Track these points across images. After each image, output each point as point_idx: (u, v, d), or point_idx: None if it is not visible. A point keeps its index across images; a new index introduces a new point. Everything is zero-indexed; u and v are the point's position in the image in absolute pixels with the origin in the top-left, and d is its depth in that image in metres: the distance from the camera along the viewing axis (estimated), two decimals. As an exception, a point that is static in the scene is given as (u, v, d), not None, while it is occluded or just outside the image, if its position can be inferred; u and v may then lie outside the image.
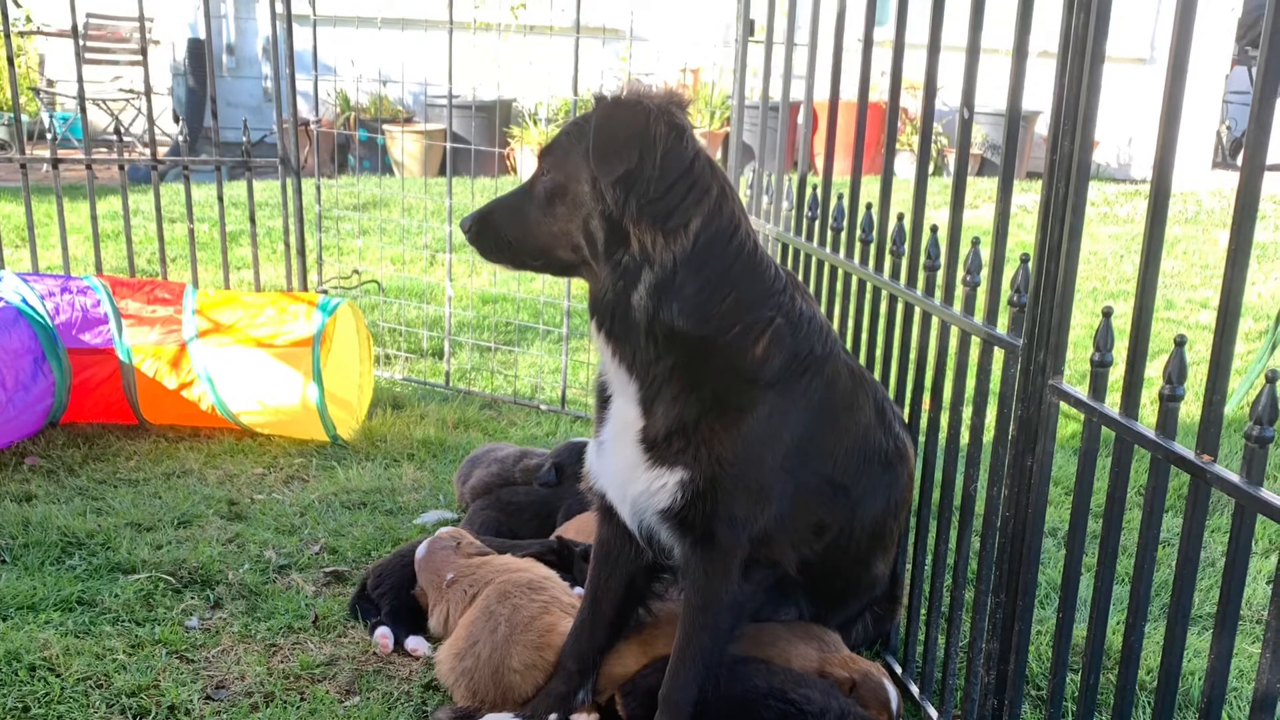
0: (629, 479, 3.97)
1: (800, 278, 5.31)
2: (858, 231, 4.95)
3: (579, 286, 7.91)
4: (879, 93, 12.76)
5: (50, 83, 18.71)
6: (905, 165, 16.77)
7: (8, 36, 7.10)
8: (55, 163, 7.63)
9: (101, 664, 4.59)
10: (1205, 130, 19.44)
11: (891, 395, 4.63)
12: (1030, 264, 3.75)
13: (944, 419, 4.44)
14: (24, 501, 5.96)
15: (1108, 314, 3.50)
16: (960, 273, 4.22)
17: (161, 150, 15.60)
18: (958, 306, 4.26)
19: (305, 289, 8.05)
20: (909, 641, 4.77)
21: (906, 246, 4.58)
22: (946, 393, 4.41)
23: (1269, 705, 2.91)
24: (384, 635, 4.82)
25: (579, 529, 5.36)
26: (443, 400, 7.88)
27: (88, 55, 15.73)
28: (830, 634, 4.44)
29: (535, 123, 17.46)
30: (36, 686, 4.40)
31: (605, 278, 3.75)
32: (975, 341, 4.16)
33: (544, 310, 9.39)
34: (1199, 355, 8.32)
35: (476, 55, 8.73)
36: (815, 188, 5.40)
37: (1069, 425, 7.12)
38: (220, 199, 7.96)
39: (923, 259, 4.45)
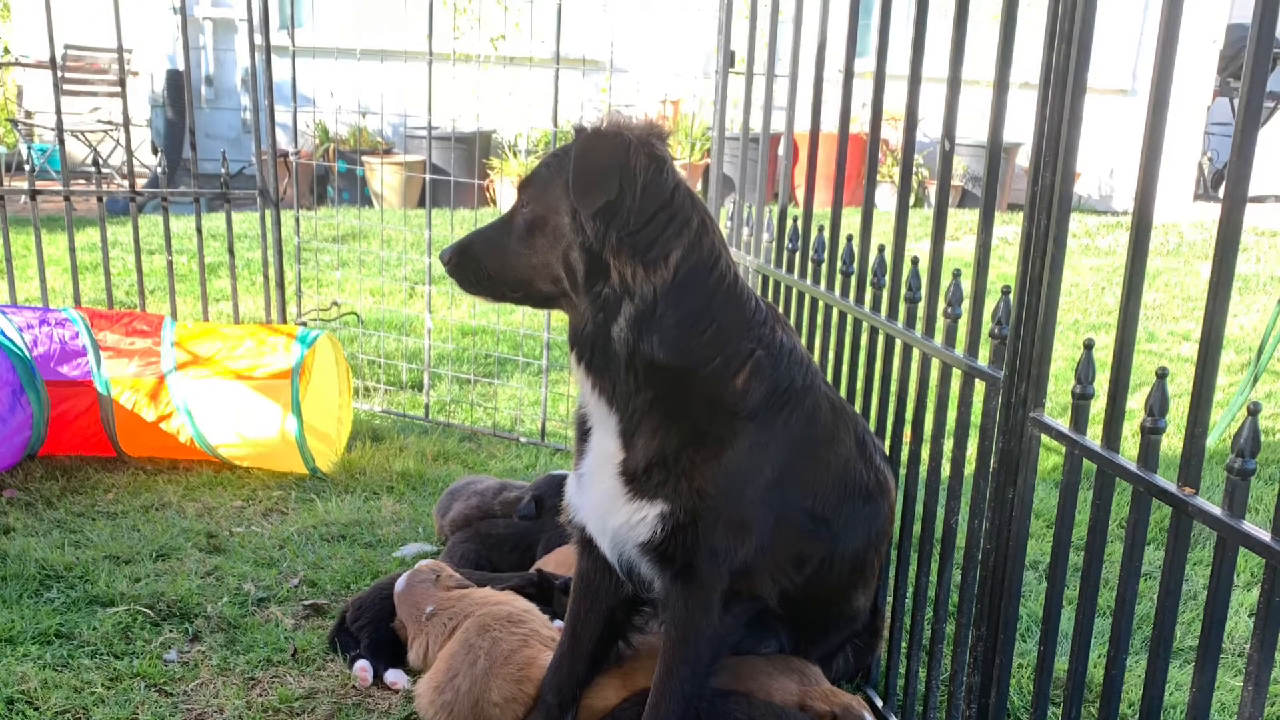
0: (609, 511, 3.96)
1: (781, 310, 5.31)
2: (838, 263, 4.95)
3: (559, 319, 7.90)
4: (860, 124, 12.79)
5: (28, 114, 18.67)
6: (886, 197, 16.81)
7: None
8: (33, 194, 7.60)
9: (80, 697, 4.56)
10: (1187, 162, 19.50)
11: (872, 427, 4.63)
12: (1011, 296, 3.75)
13: (925, 451, 4.44)
14: (2, 534, 5.92)
15: (1089, 346, 3.50)
16: (941, 305, 4.22)
17: (140, 182, 15.57)
18: (939, 339, 4.26)
19: (284, 321, 8.03)
20: (890, 675, 4.76)
21: (887, 278, 4.57)
22: (927, 425, 4.41)
23: (1252, 739, 2.90)
24: (363, 668, 4.80)
25: (559, 562, 5.35)
26: (422, 433, 7.86)
27: (66, 87, 15.71)
28: (811, 667, 4.43)
29: (515, 154, 17.47)
30: (14, 720, 4.38)
31: (585, 310, 3.74)
32: (956, 374, 4.16)
33: (524, 342, 9.38)
34: (1181, 388, 8.29)
35: (456, 87, 8.74)
36: (796, 219, 5.40)
37: (1050, 458, 7.12)
38: (199, 231, 7.93)
39: (903, 291, 4.45)
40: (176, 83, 17.54)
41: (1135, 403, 6.96)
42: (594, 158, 3.67)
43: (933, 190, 4.39)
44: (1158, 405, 3.21)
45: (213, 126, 18.66)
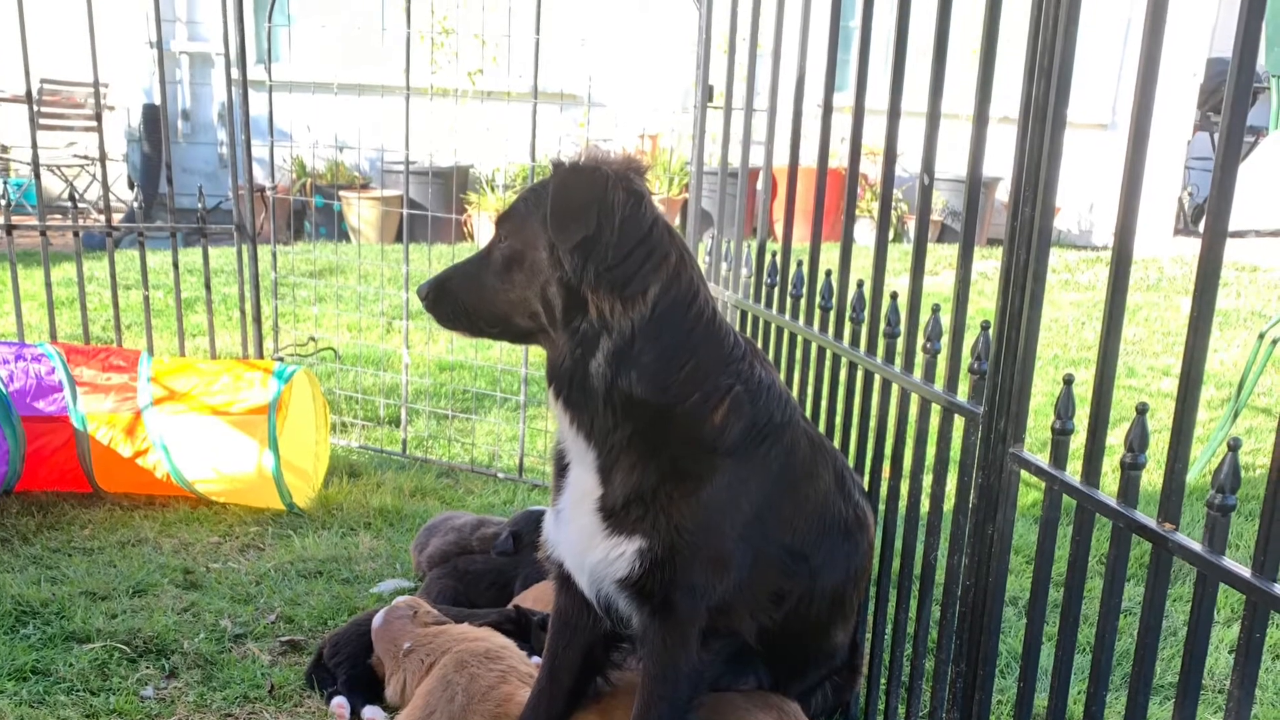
0: (587, 547, 3.94)
1: (759, 345, 5.30)
2: (817, 298, 4.95)
3: (536, 354, 7.89)
4: (838, 159, 12.79)
5: (4, 149, 18.63)
6: (865, 232, 16.82)
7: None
8: (9, 229, 7.57)
9: (56, 734, 4.54)
10: (1167, 196, 19.55)
11: (851, 463, 4.62)
12: (991, 331, 3.75)
13: (904, 487, 4.44)
14: (-24, 571, 5.89)
15: (1069, 381, 3.50)
16: (920, 340, 4.22)
17: (116, 217, 15.53)
18: (918, 374, 4.26)
19: (261, 356, 8.01)
20: (869, 711, 4.75)
21: (866, 313, 4.57)
22: (906, 460, 4.41)
23: (1233, 776, 2.89)
24: (340, 705, 4.77)
25: (537, 598, 5.33)
26: (400, 468, 7.83)
27: (42, 121, 15.68)
28: (789, 704, 4.40)
29: (492, 189, 17.45)
30: (-10, 757, 4.35)
31: (563, 345, 3.73)
32: (935, 409, 4.16)
33: (501, 378, 9.36)
34: (1161, 423, 8.33)
35: (433, 121, 8.73)
36: (774, 254, 5.40)
37: (1030, 493, 7.11)
38: (175, 266, 7.91)
39: (883, 326, 4.45)
40: (153, 117, 17.52)
41: (1115, 438, 6.95)
42: (572, 192, 3.66)
43: (912, 225, 4.41)
44: (1137, 441, 3.21)
45: (189, 161, 18.63)
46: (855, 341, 4.68)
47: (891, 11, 4.30)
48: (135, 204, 17.51)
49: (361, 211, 17.07)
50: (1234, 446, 2.90)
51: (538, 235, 3.75)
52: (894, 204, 4.80)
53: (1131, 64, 10.23)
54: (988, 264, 15.04)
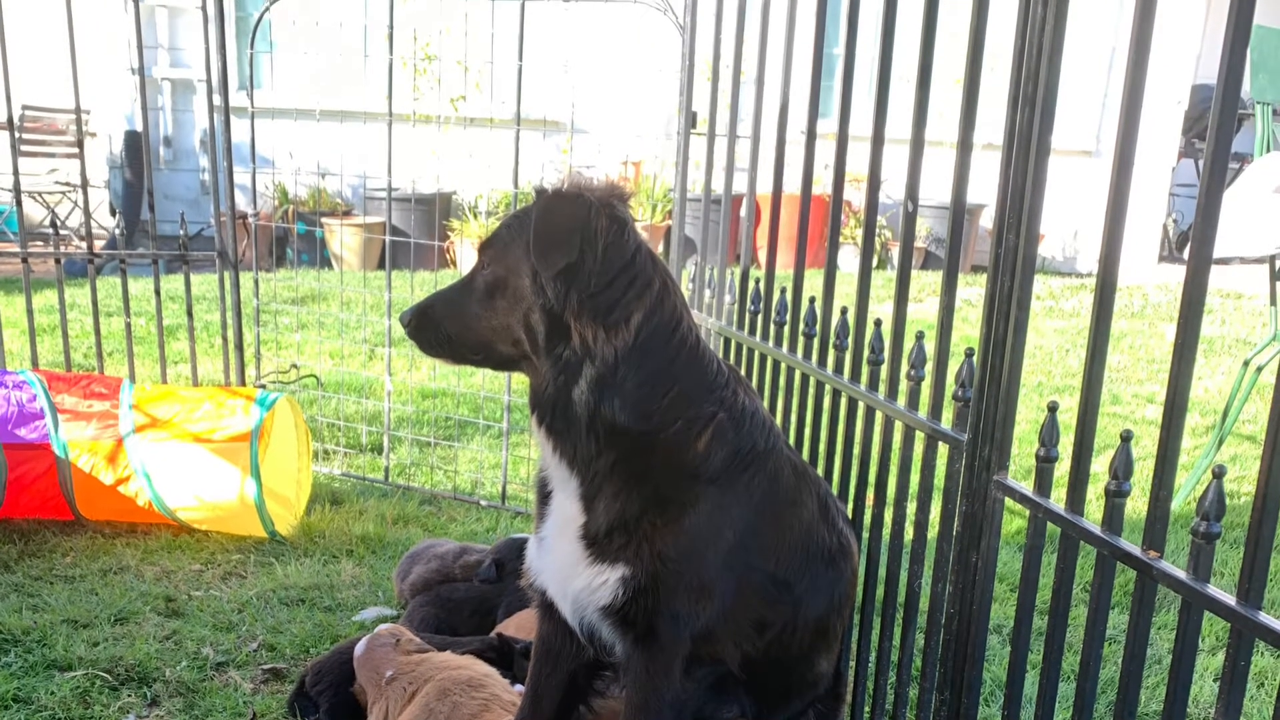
0: (570, 575, 3.92)
1: (743, 372, 5.29)
2: (801, 325, 4.94)
3: (519, 381, 7.88)
4: (822, 186, 12.80)
5: (-14, 175, 18.63)
6: (849, 259, 16.83)
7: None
8: (-10, 255, 7.56)
9: (36, 764, 4.52)
10: (1152, 223, 19.60)
11: (835, 491, 4.61)
12: (975, 358, 3.75)
13: (888, 515, 4.43)
14: (-44, 599, 5.87)
15: (1053, 409, 3.49)
16: (904, 367, 4.21)
17: (98, 244, 15.50)
18: (902, 401, 4.25)
19: (243, 384, 7.99)
20: (854, 740, 4.73)
21: (850, 340, 4.57)
22: (890, 488, 4.40)
23: (1219, 806, 2.88)
24: (322, 734, 4.76)
25: (520, 626, 5.31)
26: (382, 496, 7.81)
27: (23, 148, 15.65)
28: (774, 732, 4.40)
29: (475, 216, 17.44)
30: (-31, 788, 4.33)
31: (546, 372, 3.71)
32: (919, 436, 4.16)
33: (484, 405, 9.34)
34: (1145, 450, 8.31)
35: (416, 148, 8.73)
36: (758, 281, 5.39)
37: (1014, 521, 7.11)
38: (157, 293, 7.89)
39: (866, 353, 4.45)
40: (135, 144, 17.51)
41: (1100, 465, 6.96)
42: (555, 219, 3.65)
43: (896, 252, 4.39)
44: (1122, 468, 3.20)
45: (171, 188, 18.61)
46: (839, 368, 4.67)
47: (875, 38, 4.30)
48: (117, 231, 17.37)
49: (344, 238, 17.05)
50: (1219, 474, 2.89)
51: (520, 262, 3.74)
52: (878, 231, 4.81)
53: (1116, 91, 10.24)
54: (972, 291, 15.07)
